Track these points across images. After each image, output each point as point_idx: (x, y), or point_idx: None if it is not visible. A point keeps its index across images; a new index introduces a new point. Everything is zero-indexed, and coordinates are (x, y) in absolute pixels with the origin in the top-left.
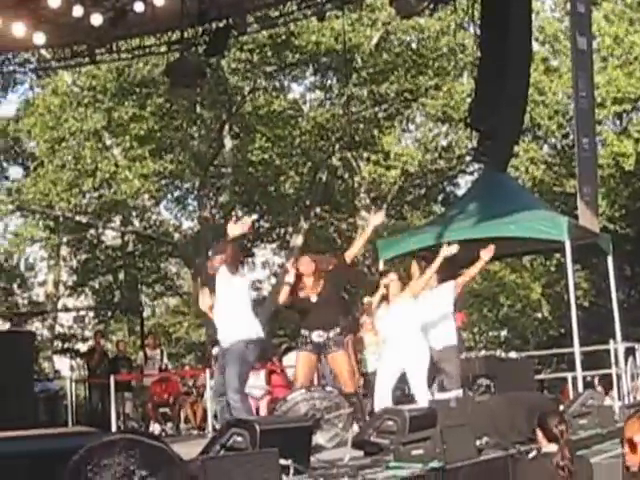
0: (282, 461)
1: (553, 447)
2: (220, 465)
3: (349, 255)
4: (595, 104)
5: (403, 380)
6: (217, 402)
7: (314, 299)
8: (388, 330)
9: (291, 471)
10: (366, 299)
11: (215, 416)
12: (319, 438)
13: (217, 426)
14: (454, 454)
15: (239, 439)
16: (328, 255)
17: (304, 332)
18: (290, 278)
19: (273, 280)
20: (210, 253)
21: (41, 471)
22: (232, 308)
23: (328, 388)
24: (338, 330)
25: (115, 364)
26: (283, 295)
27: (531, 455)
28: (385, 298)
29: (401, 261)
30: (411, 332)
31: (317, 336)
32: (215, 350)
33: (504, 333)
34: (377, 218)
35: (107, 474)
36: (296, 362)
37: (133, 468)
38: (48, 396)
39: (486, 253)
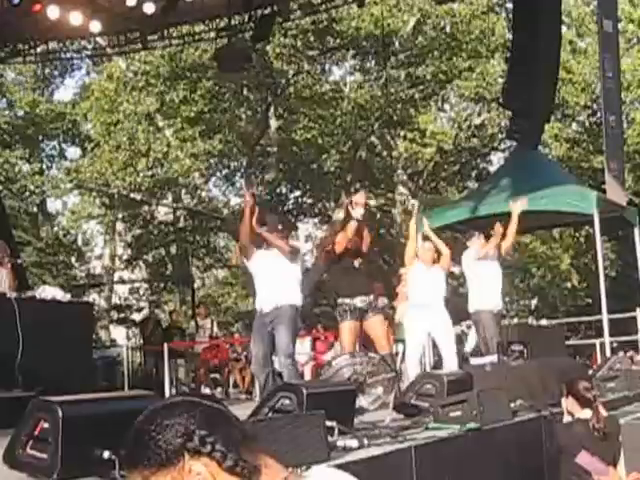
0: (327, 422)
1: (587, 412)
2: (270, 426)
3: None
4: (621, 86)
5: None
6: (261, 372)
7: (357, 264)
8: (418, 297)
9: (336, 432)
10: (401, 270)
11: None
12: (362, 401)
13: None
14: (490, 416)
15: (287, 402)
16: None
17: (346, 301)
18: (359, 213)
19: (316, 252)
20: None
21: (105, 430)
22: (286, 274)
23: (370, 354)
24: (373, 296)
25: (168, 333)
26: (350, 230)
27: (565, 421)
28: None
29: (438, 233)
30: (439, 301)
31: (360, 301)
32: None
33: (534, 302)
34: (358, 211)
35: (169, 433)
36: (341, 332)
37: (193, 428)
38: (106, 362)
39: (518, 206)
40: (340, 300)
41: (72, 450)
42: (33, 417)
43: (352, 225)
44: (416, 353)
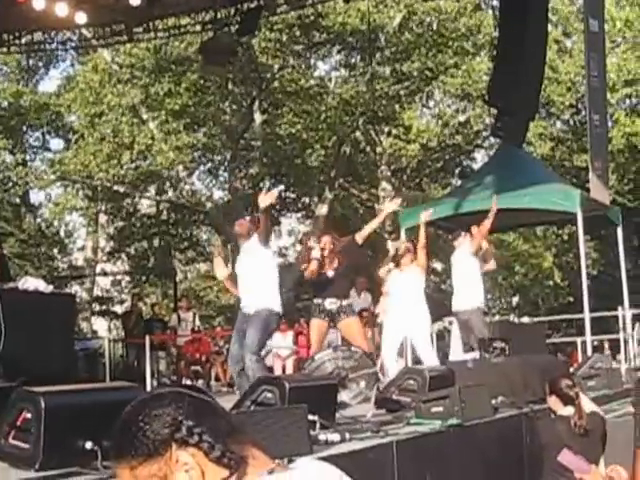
0: (309, 416)
1: (569, 410)
2: (252, 419)
3: (360, 236)
4: (607, 86)
5: None
6: (235, 366)
7: (330, 274)
8: (394, 297)
9: (317, 426)
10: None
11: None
12: (344, 395)
13: (235, 390)
14: (471, 412)
15: (269, 395)
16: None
17: (317, 300)
18: (317, 253)
19: (298, 247)
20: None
21: (88, 421)
22: (262, 277)
23: (353, 348)
24: (350, 300)
25: (150, 325)
26: (313, 268)
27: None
28: (397, 263)
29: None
30: (416, 300)
31: (330, 303)
32: None
33: (516, 299)
34: (392, 205)
35: (157, 424)
36: (310, 329)
37: (181, 419)
38: (87, 354)
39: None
40: (316, 300)
41: (54, 440)
42: (16, 407)
43: (313, 264)
44: (393, 349)
